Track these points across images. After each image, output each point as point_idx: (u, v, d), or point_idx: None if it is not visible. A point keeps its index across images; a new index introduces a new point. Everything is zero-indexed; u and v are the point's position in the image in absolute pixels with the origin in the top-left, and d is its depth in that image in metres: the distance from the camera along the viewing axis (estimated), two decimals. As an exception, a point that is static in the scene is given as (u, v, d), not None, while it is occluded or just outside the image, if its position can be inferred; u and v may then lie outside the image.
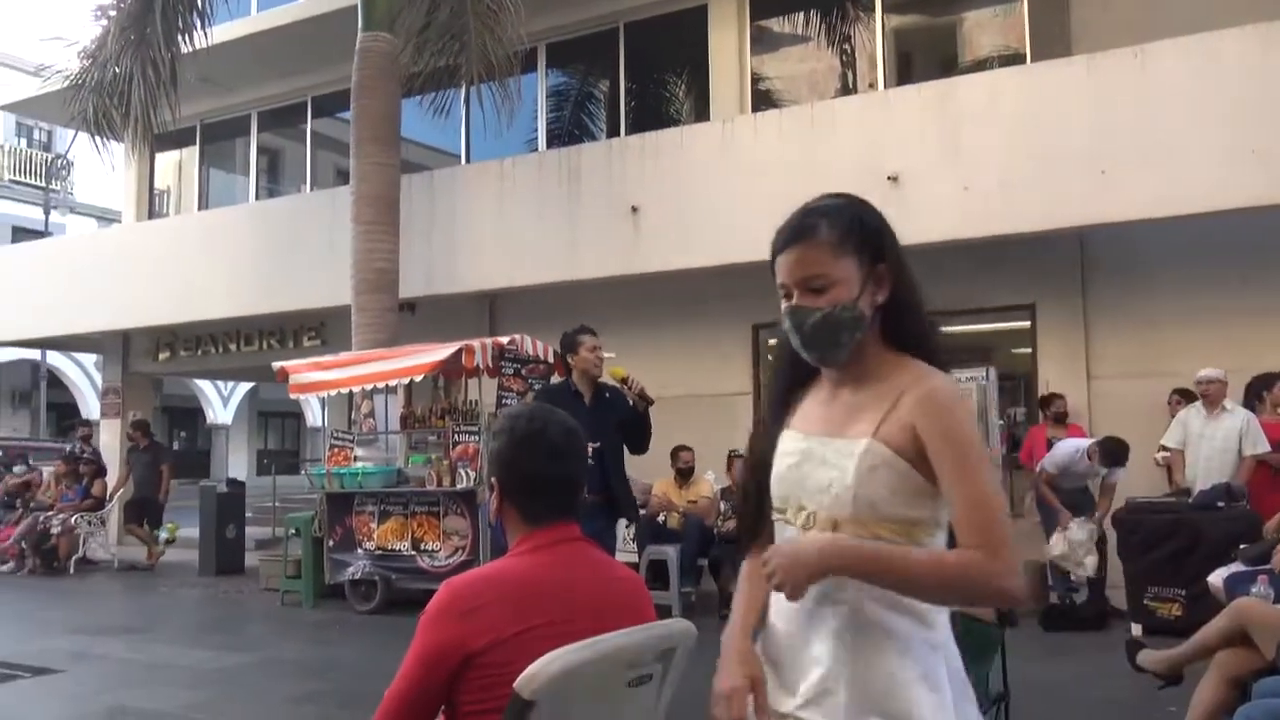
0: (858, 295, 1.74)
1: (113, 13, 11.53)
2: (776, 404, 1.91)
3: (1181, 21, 8.68)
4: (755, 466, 1.85)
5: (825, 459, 1.71)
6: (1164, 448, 8.08)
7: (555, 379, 8.53)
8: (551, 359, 9.26)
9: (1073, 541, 7.76)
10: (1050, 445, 8.84)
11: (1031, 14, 10.20)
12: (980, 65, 10.49)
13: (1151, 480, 8.48)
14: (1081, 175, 8.48)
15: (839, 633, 1.66)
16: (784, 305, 1.82)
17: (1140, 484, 8.20)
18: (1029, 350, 9.96)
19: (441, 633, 1.84)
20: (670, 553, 8.34)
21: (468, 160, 13.11)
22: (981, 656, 3.49)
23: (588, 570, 2.01)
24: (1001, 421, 8.59)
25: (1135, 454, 8.38)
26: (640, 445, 5.86)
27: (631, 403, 5.74)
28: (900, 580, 1.60)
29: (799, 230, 1.81)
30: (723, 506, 8.82)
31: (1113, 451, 7.78)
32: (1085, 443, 8.01)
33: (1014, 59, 10.24)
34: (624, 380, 5.74)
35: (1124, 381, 9.31)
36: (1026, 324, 9.94)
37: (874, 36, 11.06)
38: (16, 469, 14.07)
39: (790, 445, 1.79)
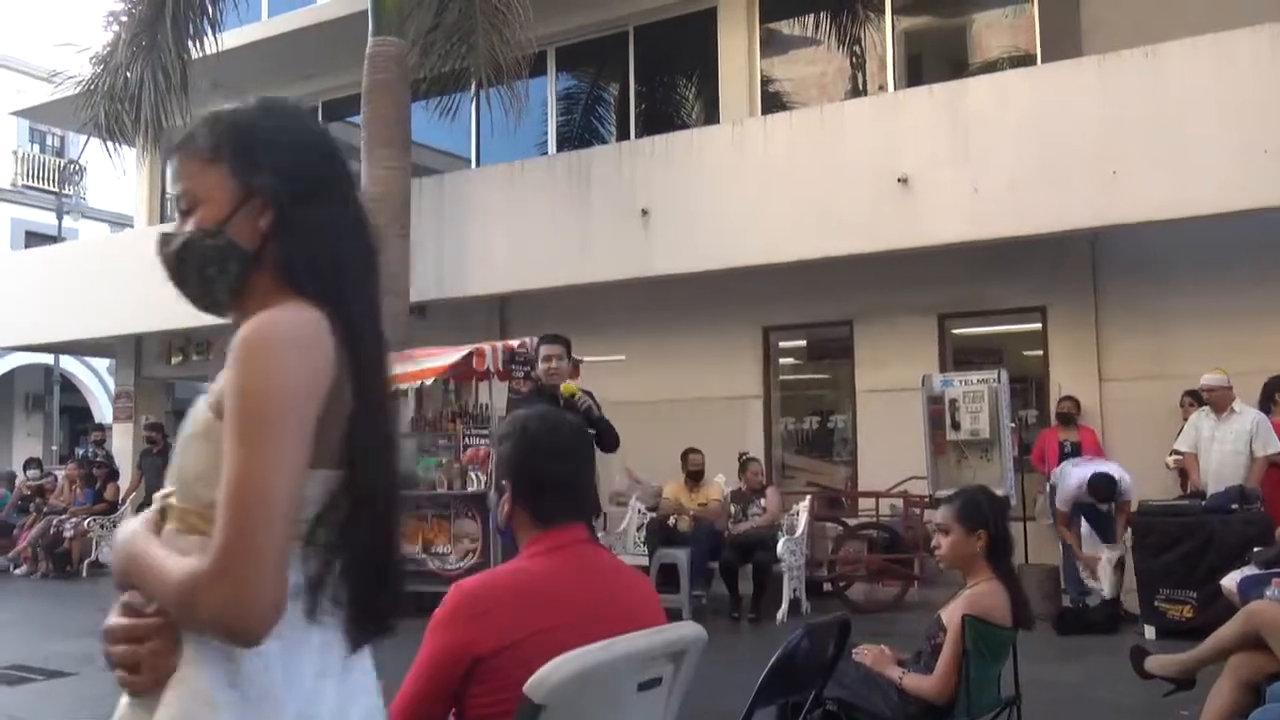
0: (225, 218, 1.34)
1: (124, 19, 11.58)
2: None
3: (1193, 22, 8.64)
4: None
5: None
6: (1176, 452, 8.04)
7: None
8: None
9: (1100, 568, 7.78)
10: (1062, 448, 8.82)
11: (1042, 15, 10.19)
12: (990, 67, 10.47)
13: (1163, 483, 8.45)
14: (1092, 176, 8.46)
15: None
16: None
17: (1152, 488, 8.16)
18: (1040, 352, 9.94)
19: (451, 636, 1.84)
20: (680, 556, 8.33)
21: (478, 164, 13.14)
22: (994, 659, 3.48)
23: (597, 573, 2.01)
24: (1013, 424, 8.56)
25: (1148, 455, 8.36)
26: (605, 447, 5.86)
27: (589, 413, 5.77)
28: (148, 591, 1.26)
29: (180, 138, 1.41)
30: (733, 510, 8.81)
31: (1101, 490, 7.76)
32: (1087, 472, 7.90)
33: (1024, 60, 10.22)
34: (571, 396, 5.73)
35: (1136, 384, 9.28)
36: (1038, 326, 9.92)
37: (884, 38, 11.05)
38: (30, 473, 14.14)
39: None
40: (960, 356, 10.40)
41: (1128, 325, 9.39)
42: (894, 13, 10.99)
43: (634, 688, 1.91)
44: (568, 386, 5.79)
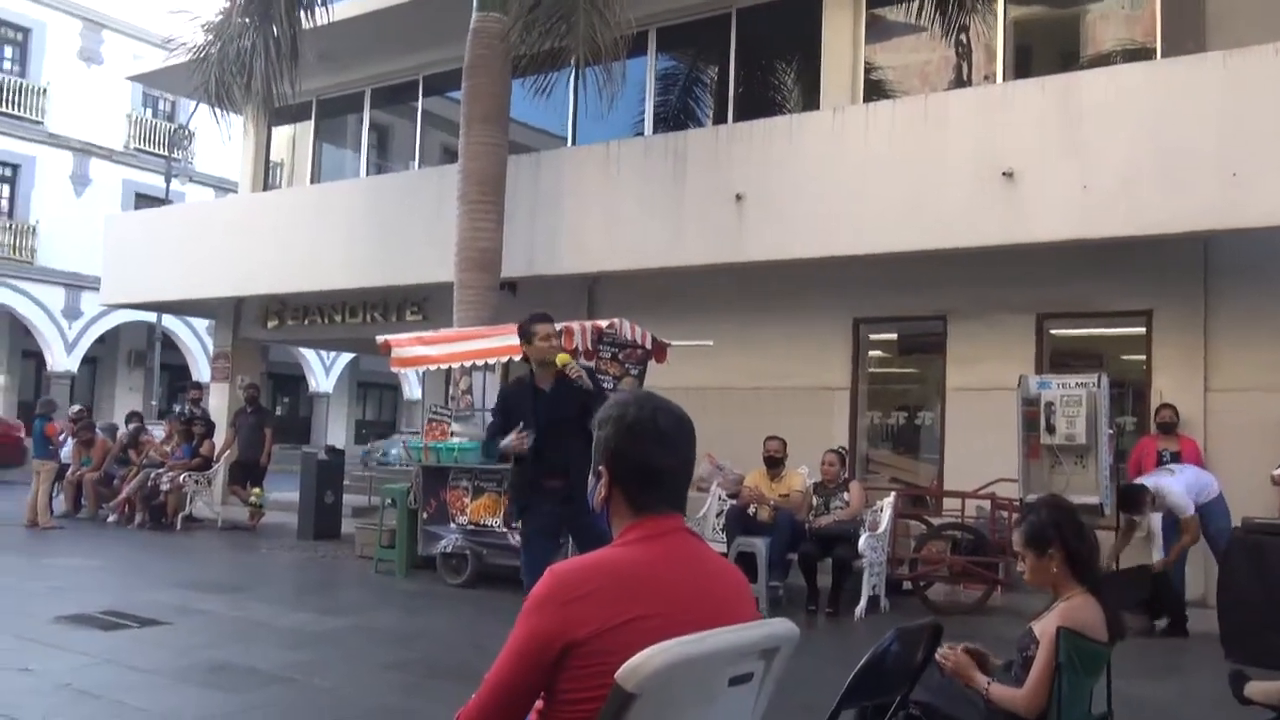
0: None
1: (241, -14, 11.84)
2: None
3: (1329, 18, 8.22)
4: None
5: None
6: None
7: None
8: (650, 344, 9.25)
9: None
10: (1160, 457, 8.51)
11: (1164, 6, 9.78)
12: (1106, 60, 10.12)
13: (1266, 501, 8.11)
14: (1211, 177, 8.12)
15: None
16: None
17: (1257, 505, 7.84)
18: (1143, 358, 9.60)
19: (544, 620, 1.82)
20: (759, 545, 8.27)
21: (574, 143, 13.17)
22: (1088, 674, 3.36)
23: (693, 563, 1.97)
24: (1111, 430, 8.29)
25: (1256, 471, 8.04)
26: None
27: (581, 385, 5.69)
28: None
29: None
30: (815, 502, 8.70)
31: (1126, 500, 7.57)
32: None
33: (1142, 54, 9.84)
34: (564, 366, 5.68)
35: (1244, 395, 8.92)
36: (1142, 330, 9.58)
37: (994, 27, 10.74)
38: (131, 425, 14.67)
39: None
40: (1057, 358, 10.10)
41: (1239, 334, 9.01)
42: (1007, 1, 10.67)
43: (725, 682, 1.88)
44: (562, 357, 5.77)
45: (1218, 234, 8.61)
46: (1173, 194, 8.26)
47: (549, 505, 5.51)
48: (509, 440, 5.54)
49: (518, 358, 9.15)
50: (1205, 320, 9.17)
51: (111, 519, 13.25)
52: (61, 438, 13.78)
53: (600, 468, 2.01)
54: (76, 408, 15.23)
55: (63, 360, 25.52)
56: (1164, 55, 9.46)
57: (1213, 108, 8.25)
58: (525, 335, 5.80)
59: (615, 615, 1.81)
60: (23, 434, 18.31)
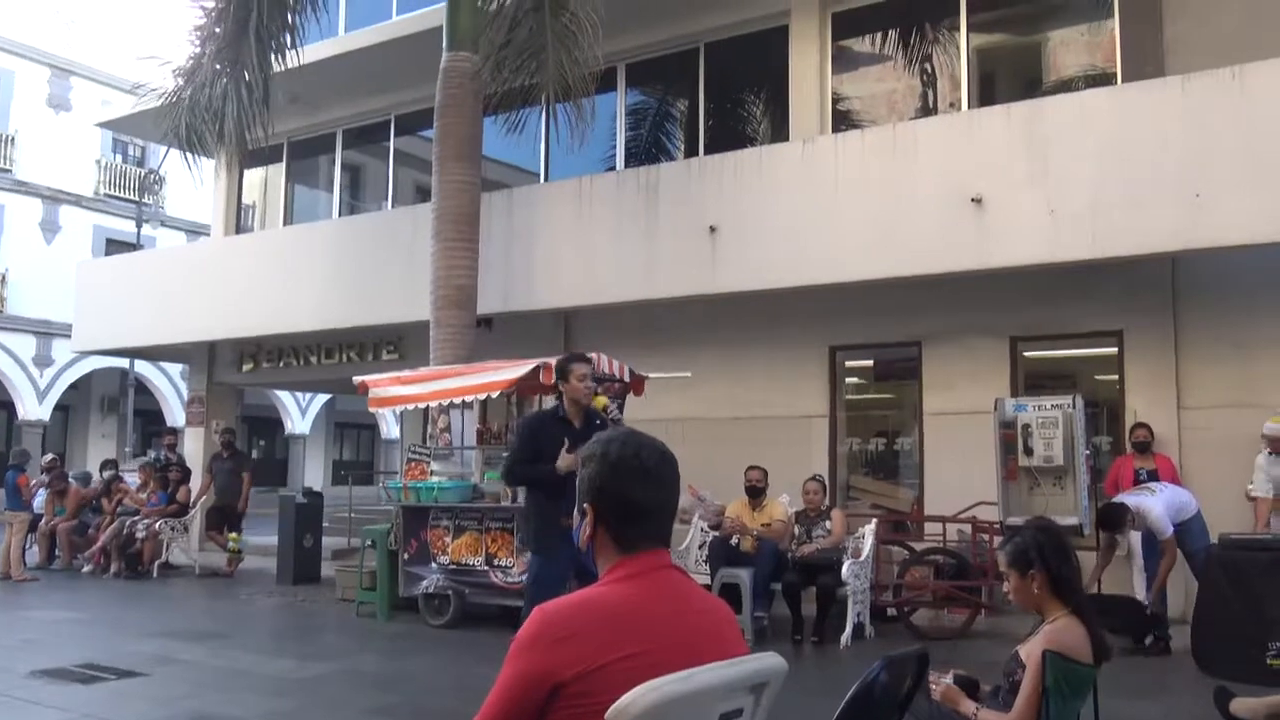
0: None
1: (217, 29, 11.83)
2: None
3: (1283, 41, 8.41)
4: None
5: None
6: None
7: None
8: (628, 377, 9.26)
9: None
10: (1137, 476, 8.59)
11: (1123, 33, 9.97)
12: (1067, 85, 10.29)
13: (1243, 516, 8.19)
14: (1175, 199, 8.25)
15: None
16: None
17: (1231, 521, 7.91)
18: (1116, 378, 9.71)
19: (532, 660, 1.82)
20: (743, 576, 8.26)
21: (547, 178, 13.22)
22: (1075, 696, 3.37)
23: (680, 600, 1.97)
24: (1087, 451, 8.35)
25: (1229, 487, 8.12)
26: None
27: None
28: None
29: None
30: (797, 530, 8.71)
31: (1107, 519, 7.64)
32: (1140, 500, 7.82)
33: (1103, 79, 10.02)
34: (604, 409, 6.02)
35: (1217, 412, 9.02)
36: (1114, 350, 9.69)
37: (957, 56, 10.91)
38: (105, 473, 14.48)
39: None
40: (1032, 380, 10.19)
41: (1209, 352, 9.13)
42: (969, 30, 10.85)
43: (715, 718, 1.88)
44: (600, 400, 6.03)
45: (1183, 254, 8.73)
46: (1138, 216, 8.39)
47: (570, 550, 5.48)
48: (569, 458, 5.54)
49: (496, 395, 9.17)
50: (1176, 339, 9.29)
51: (87, 569, 13.05)
52: (33, 486, 13.59)
53: (585, 505, 2.02)
54: (49, 457, 15.02)
55: (34, 409, 25.21)
56: (1124, 80, 9.64)
57: (1174, 131, 8.40)
58: (562, 373, 6.04)
59: (603, 655, 1.81)
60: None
